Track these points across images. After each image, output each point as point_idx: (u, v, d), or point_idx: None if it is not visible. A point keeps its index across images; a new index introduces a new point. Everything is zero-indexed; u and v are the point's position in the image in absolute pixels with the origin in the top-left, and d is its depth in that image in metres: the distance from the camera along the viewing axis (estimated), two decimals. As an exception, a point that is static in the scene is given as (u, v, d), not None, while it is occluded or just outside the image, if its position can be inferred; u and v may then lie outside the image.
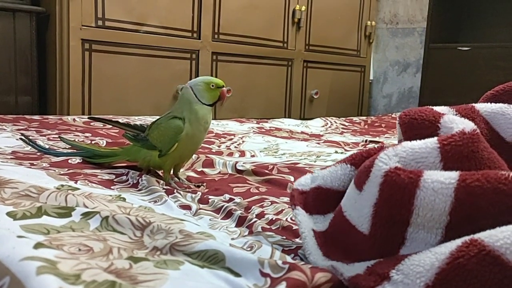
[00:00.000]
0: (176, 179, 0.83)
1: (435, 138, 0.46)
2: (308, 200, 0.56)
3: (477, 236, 0.39)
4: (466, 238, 0.39)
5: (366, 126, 1.92)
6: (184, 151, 0.81)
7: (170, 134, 0.79)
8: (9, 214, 0.52)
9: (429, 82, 2.44)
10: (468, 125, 0.47)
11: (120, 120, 0.93)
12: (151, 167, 0.84)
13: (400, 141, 0.54)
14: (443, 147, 0.45)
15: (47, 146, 0.98)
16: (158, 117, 0.86)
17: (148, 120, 1.49)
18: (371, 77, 2.92)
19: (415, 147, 0.46)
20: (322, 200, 0.56)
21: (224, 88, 0.82)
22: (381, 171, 0.45)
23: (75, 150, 0.94)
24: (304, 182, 0.59)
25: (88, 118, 1.03)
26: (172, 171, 0.84)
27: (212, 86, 0.80)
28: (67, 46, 1.70)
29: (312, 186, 0.58)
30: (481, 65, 2.23)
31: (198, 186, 0.81)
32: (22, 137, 1.01)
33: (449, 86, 2.33)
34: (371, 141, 1.44)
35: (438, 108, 0.55)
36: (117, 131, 1.28)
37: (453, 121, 0.48)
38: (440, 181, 0.42)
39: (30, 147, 0.97)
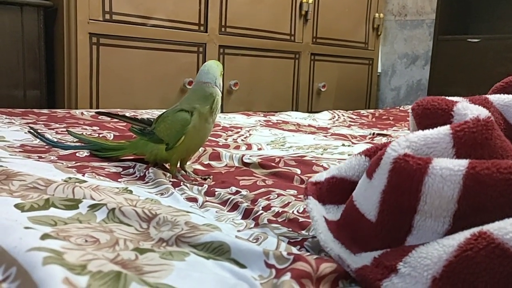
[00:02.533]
0: (183, 172, 0.84)
1: (448, 125, 0.45)
2: (322, 191, 0.56)
3: (486, 228, 0.38)
4: (475, 230, 0.38)
5: (373, 119, 1.91)
6: (191, 144, 0.81)
7: (176, 127, 0.79)
8: (17, 206, 0.52)
9: (438, 75, 2.42)
10: (482, 112, 0.46)
11: (127, 114, 0.93)
12: (158, 160, 0.84)
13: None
14: (456, 133, 0.44)
15: (55, 139, 0.99)
16: (165, 110, 0.86)
17: (155, 113, 1.49)
18: (379, 70, 2.90)
19: (427, 133, 0.45)
20: (335, 189, 0.55)
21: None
22: (390, 158, 0.44)
23: (82, 144, 0.95)
24: (318, 175, 0.59)
25: (95, 113, 1.03)
26: (179, 164, 0.84)
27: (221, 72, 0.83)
28: (74, 40, 1.70)
29: (327, 176, 0.57)
30: (491, 57, 2.21)
31: (205, 179, 0.81)
32: (31, 130, 1.01)
33: (458, 79, 2.31)
34: (378, 134, 1.43)
35: (452, 98, 0.55)
36: (124, 124, 1.28)
37: (467, 108, 0.47)
38: (449, 168, 0.41)
39: (38, 140, 0.97)
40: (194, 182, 0.78)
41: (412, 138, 0.45)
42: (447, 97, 0.55)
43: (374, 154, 0.53)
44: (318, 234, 0.49)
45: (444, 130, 0.45)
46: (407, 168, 0.42)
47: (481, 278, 0.35)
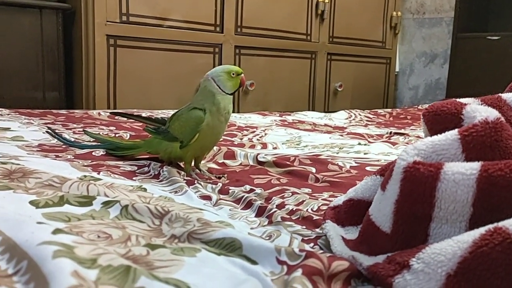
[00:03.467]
0: (197, 170, 0.84)
1: (456, 130, 0.45)
2: (340, 214, 0.57)
3: (501, 224, 0.37)
4: (490, 226, 0.38)
5: (391, 118, 1.89)
6: (205, 142, 0.82)
7: (191, 124, 0.80)
8: (32, 202, 0.53)
9: (457, 73, 2.38)
10: (492, 114, 0.45)
11: (143, 115, 0.94)
12: (172, 158, 0.84)
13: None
14: (464, 138, 0.44)
15: (72, 139, 1.00)
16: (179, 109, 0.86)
17: (171, 114, 1.50)
18: (397, 69, 2.87)
19: (435, 140, 0.45)
20: (354, 211, 0.56)
21: (242, 75, 0.82)
22: (400, 167, 0.44)
23: (98, 143, 0.96)
24: (337, 200, 0.60)
25: (111, 113, 1.04)
26: (193, 163, 0.84)
27: (233, 74, 0.81)
28: (92, 42, 1.72)
29: (345, 199, 0.58)
30: (511, 55, 2.17)
31: (219, 178, 0.81)
32: (49, 131, 1.03)
33: (477, 77, 2.27)
34: (395, 133, 1.41)
35: (463, 100, 0.54)
36: (140, 124, 1.29)
37: (476, 110, 0.47)
38: (461, 172, 0.40)
39: (56, 140, 0.99)
40: (208, 181, 0.78)
41: (420, 146, 0.45)
42: (457, 99, 0.54)
43: None
44: (334, 248, 0.49)
45: (452, 135, 0.45)
46: (418, 176, 0.42)
47: (497, 274, 0.35)
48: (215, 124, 0.80)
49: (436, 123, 0.51)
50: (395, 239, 0.44)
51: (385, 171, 0.54)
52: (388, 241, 0.45)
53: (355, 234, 0.53)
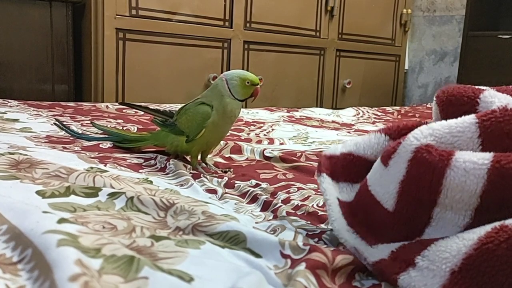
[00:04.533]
0: (203, 164, 0.84)
1: (473, 114, 0.44)
2: (337, 167, 0.54)
3: (508, 222, 0.37)
4: (496, 223, 0.37)
5: (399, 116, 1.87)
6: (211, 138, 0.82)
7: (197, 119, 0.80)
8: (38, 192, 0.53)
9: (467, 72, 2.36)
10: (511, 102, 0.44)
11: (150, 107, 0.94)
12: (178, 152, 0.84)
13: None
14: (482, 122, 0.42)
15: (79, 131, 1.01)
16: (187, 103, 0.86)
17: (179, 107, 1.50)
18: (406, 67, 2.85)
19: (451, 123, 0.44)
20: (352, 167, 0.53)
21: (258, 86, 0.81)
22: (411, 146, 0.43)
23: (106, 135, 0.96)
24: (333, 148, 0.57)
25: (119, 103, 1.04)
26: (199, 157, 0.84)
27: (248, 83, 0.79)
28: (101, 35, 1.73)
29: (343, 151, 0.55)
30: (523, 54, 2.14)
31: (225, 172, 0.81)
32: (56, 122, 1.03)
33: (488, 76, 2.25)
34: (404, 131, 1.40)
35: (480, 87, 0.53)
36: (148, 117, 1.30)
37: (494, 96, 0.45)
38: (473, 161, 0.39)
39: (64, 132, 0.99)
40: (214, 175, 0.78)
41: (436, 126, 0.44)
42: (474, 86, 0.53)
43: (395, 134, 0.51)
44: (332, 222, 0.48)
45: (469, 119, 0.43)
46: (429, 159, 0.41)
47: (502, 272, 0.34)
48: (222, 120, 0.80)
49: (450, 104, 0.49)
50: (397, 218, 0.44)
51: (391, 131, 0.52)
52: (390, 219, 0.44)
53: (349, 195, 0.52)
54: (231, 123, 0.83)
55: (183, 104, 0.87)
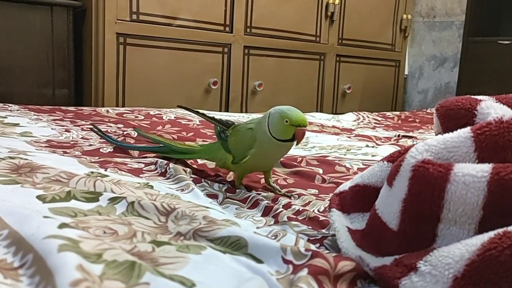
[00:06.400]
0: (272, 186, 0.76)
1: (468, 128, 0.44)
2: (346, 200, 0.56)
3: (511, 228, 0.37)
4: (499, 230, 0.37)
5: (399, 121, 1.88)
6: (257, 164, 0.74)
7: (243, 146, 0.73)
8: (39, 197, 0.53)
9: (467, 77, 2.37)
10: (507, 113, 0.45)
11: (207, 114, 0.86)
12: (226, 168, 0.79)
13: (440, 134, 0.52)
14: (477, 136, 0.43)
15: (119, 139, 0.96)
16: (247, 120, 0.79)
17: (179, 112, 1.50)
18: (406, 72, 2.85)
19: (447, 137, 0.44)
20: (359, 197, 0.55)
21: (302, 128, 0.68)
22: (409, 165, 0.43)
23: (150, 145, 0.91)
24: (342, 186, 0.59)
25: (177, 106, 0.94)
26: (264, 180, 0.78)
27: (286, 121, 0.67)
28: (102, 40, 1.73)
29: (351, 185, 0.57)
30: (522, 60, 2.15)
31: (289, 196, 0.73)
32: (94, 129, 1.00)
33: (488, 81, 2.25)
34: (404, 136, 1.40)
35: (478, 96, 0.53)
36: (148, 121, 1.30)
37: (491, 107, 0.46)
38: (472, 174, 0.40)
39: (104, 139, 0.96)
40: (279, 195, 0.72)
41: (431, 142, 0.44)
42: (473, 96, 0.53)
43: (396, 159, 0.52)
44: (340, 243, 0.48)
45: (464, 133, 0.44)
46: (427, 176, 0.41)
47: (506, 278, 0.34)
48: (267, 150, 0.72)
49: (449, 117, 0.50)
50: (402, 237, 0.44)
51: (393, 157, 0.53)
52: (395, 239, 0.44)
53: (361, 224, 0.52)
54: (277, 157, 0.75)
55: (237, 120, 0.80)
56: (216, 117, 0.82)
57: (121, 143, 0.93)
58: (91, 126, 1.02)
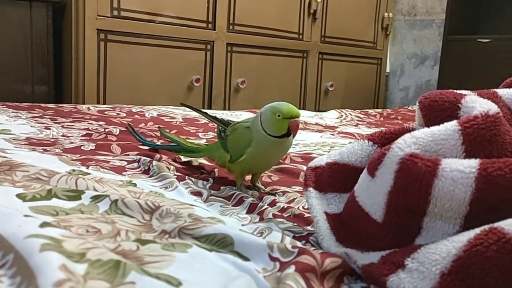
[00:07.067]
0: (257, 186, 0.76)
1: (455, 121, 0.44)
2: (323, 177, 0.54)
3: (497, 224, 0.37)
4: (486, 226, 0.37)
5: (381, 119, 1.89)
6: (253, 165, 0.73)
7: (240, 145, 0.72)
8: (19, 196, 0.52)
9: (447, 75, 2.40)
10: (492, 108, 0.45)
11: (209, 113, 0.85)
12: (225, 168, 0.78)
13: (421, 126, 0.52)
14: (465, 129, 0.43)
15: (147, 139, 0.96)
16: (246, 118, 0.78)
17: (161, 110, 1.49)
18: (388, 70, 2.88)
19: (434, 130, 0.44)
20: (338, 176, 0.53)
21: (295, 119, 0.67)
22: (396, 157, 0.43)
23: (168, 143, 0.92)
24: (318, 160, 0.57)
25: (180, 104, 0.93)
26: (249, 178, 0.77)
27: (278, 116, 0.67)
28: (82, 36, 1.70)
29: (328, 161, 0.55)
30: (501, 58, 2.18)
31: (274, 194, 0.73)
32: (128, 127, 0.98)
33: (468, 79, 2.28)
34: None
35: (461, 91, 0.53)
36: (131, 119, 1.28)
37: (475, 101, 0.46)
38: (460, 170, 0.40)
39: (135, 137, 0.95)
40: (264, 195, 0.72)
41: (419, 135, 0.44)
42: (456, 91, 0.53)
43: (378, 139, 0.52)
44: (321, 241, 0.48)
45: (452, 126, 0.43)
46: (415, 170, 0.41)
47: (492, 274, 0.34)
48: (264, 150, 0.71)
49: (432, 110, 0.49)
50: (387, 229, 0.44)
51: (374, 137, 0.52)
52: (379, 230, 0.44)
53: (338, 206, 0.52)
54: (276, 156, 0.74)
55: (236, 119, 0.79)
56: (217, 116, 0.82)
57: (146, 141, 0.93)
58: (127, 125, 1.00)
